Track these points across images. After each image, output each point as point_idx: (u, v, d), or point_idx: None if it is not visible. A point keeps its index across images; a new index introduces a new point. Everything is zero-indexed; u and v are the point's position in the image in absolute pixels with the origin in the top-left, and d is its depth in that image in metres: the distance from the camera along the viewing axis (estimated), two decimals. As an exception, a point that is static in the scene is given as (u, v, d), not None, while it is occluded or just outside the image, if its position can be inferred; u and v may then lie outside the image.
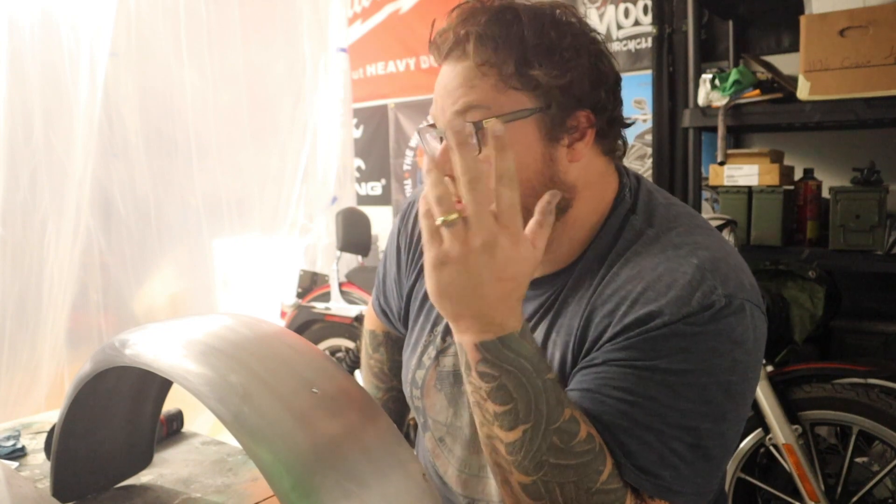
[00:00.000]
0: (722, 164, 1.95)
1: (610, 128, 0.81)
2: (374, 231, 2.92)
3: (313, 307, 2.72)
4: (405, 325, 1.03)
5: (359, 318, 2.56)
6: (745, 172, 2.03)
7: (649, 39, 2.52)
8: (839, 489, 1.72)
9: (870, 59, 1.71)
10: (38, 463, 1.08)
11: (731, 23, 2.34)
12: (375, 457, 0.63)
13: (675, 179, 2.47)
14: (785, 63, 2.14)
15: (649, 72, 2.50)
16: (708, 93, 2.01)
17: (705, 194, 2.17)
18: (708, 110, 2.00)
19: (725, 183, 2.06)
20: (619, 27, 2.67)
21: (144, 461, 1.00)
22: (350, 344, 2.64)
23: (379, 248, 3.34)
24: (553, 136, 0.78)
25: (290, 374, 0.67)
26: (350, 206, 2.94)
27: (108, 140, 2.47)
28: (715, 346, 0.71)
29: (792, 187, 2.02)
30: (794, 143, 2.26)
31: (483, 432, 0.72)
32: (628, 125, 0.85)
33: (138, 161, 2.56)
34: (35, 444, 1.14)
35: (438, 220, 0.66)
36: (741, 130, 2.35)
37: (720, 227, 1.76)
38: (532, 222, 0.70)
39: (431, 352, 0.94)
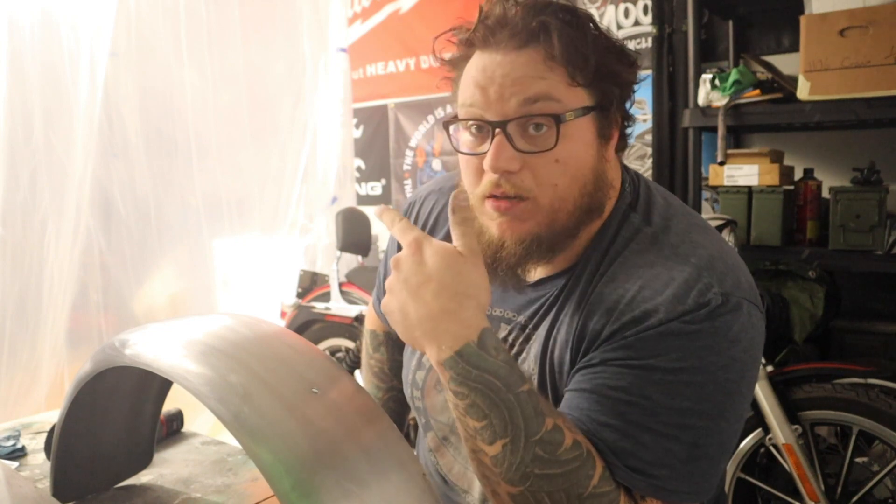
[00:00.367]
0: (722, 164, 1.95)
1: (626, 129, 0.83)
2: (374, 231, 2.92)
3: (313, 307, 2.72)
4: None
5: (359, 318, 2.56)
6: (745, 172, 2.03)
7: (649, 39, 2.52)
8: (839, 489, 1.72)
9: (870, 59, 1.71)
10: (38, 463, 1.08)
11: (731, 23, 2.34)
12: (375, 457, 0.63)
13: (675, 179, 2.47)
14: (785, 63, 2.14)
15: (649, 72, 2.51)
16: (708, 93, 2.01)
17: (705, 194, 2.17)
18: (708, 110, 2.00)
19: (725, 183, 2.06)
20: (619, 27, 2.67)
21: (144, 461, 1.00)
22: (350, 344, 2.64)
23: (379, 248, 3.34)
24: (603, 134, 0.79)
25: (290, 374, 0.67)
26: (350, 206, 2.93)
27: (108, 140, 2.47)
28: (711, 345, 0.71)
29: (792, 187, 2.02)
30: (794, 143, 2.26)
31: (468, 446, 0.72)
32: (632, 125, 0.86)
33: (138, 161, 2.56)
34: (35, 444, 1.13)
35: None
36: (741, 130, 2.35)
37: (720, 228, 1.76)
38: (451, 227, 0.75)
39: None
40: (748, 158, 2.04)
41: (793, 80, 1.88)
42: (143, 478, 1.01)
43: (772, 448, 1.77)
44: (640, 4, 2.60)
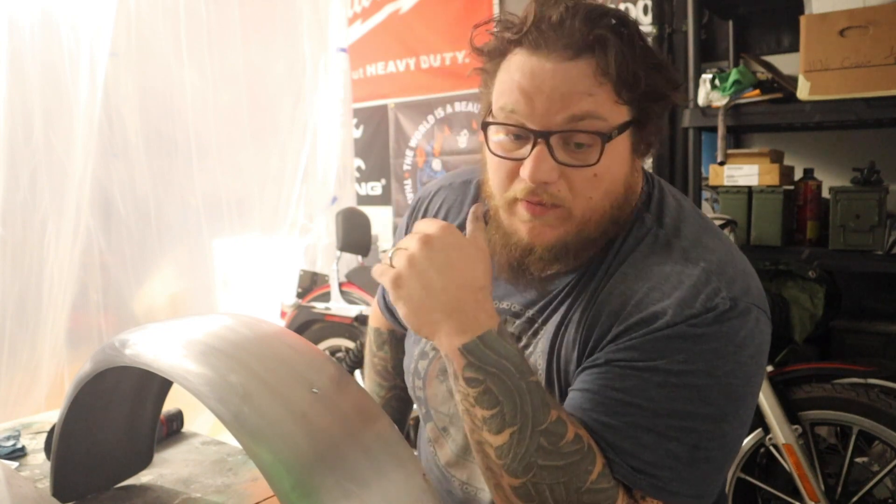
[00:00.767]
0: (722, 164, 1.95)
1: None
2: (374, 231, 2.92)
3: (313, 307, 2.72)
4: None
5: (359, 318, 2.56)
6: (745, 172, 2.03)
7: (649, 39, 2.52)
8: (839, 489, 1.72)
9: (870, 59, 1.71)
10: (38, 463, 1.08)
11: (731, 23, 2.34)
12: (375, 457, 0.63)
13: (675, 179, 2.47)
14: (785, 63, 2.14)
15: (649, 72, 2.50)
16: (708, 93, 2.01)
17: (705, 194, 2.17)
18: (708, 110, 2.00)
19: (725, 183, 2.06)
20: (619, 27, 2.66)
21: (144, 461, 1.00)
22: (350, 344, 2.64)
23: (379, 248, 3.34)
24: (637, 148, 0.79)
25: (290, 374, 0.67)
26: (350, 206, 2.93)
27: (108, 140, 2.47)
28: (717, 349, 0.71)
29: (792, 187, 2.02)
30: (794, 143, 2.26)
31: (473, 439, 0.72)
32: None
33: (138, 161, 2.56)
34: (35, 444, 1.14)
35: (390, 254, 0.73)
36: (741, 130, 2.35)
37: (720, 228, 1.76)
38: (469, 232, 0.77)
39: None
40: (748, 158, 2.04)
41: (793, 80, 1.88)
42: (143, 478, 1.01)
43: (772, 448, 1.77)
44: (640, 4, 2.60)
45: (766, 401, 1.71)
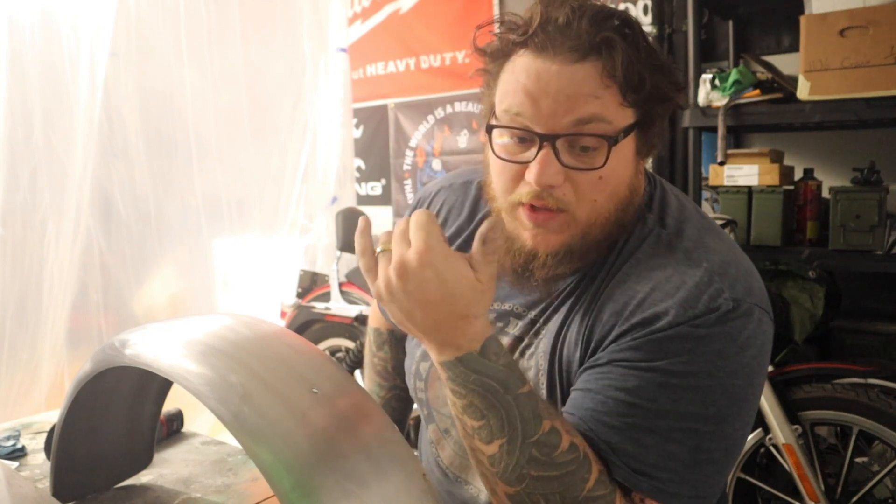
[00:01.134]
0: (722, 164, 1.95)
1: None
2: (374, 231, 2.91)
3: (313, 307, 2.72)
4: None
5: (359, 318, 2.56)
6: (745, 172, 2.03)
7: (650, 39, 2.52)
8: (839, 489, 1.72)
9: (870, 59, 1.71)
10: (38, 463, 1.08)
11: (731, 23, 2.34)
12: (375, 457, 0.63)
13: (675, 179, 2.47)
14: (785, 63, 2.14)
15: (649, 72, 2.50)
16: (708, 93, 2.01)
17: (705, 194, 2.17)
18: (708, 110, 2.00)
19: (725, 183, 2.06)
20: (619, 27, 2.66)
21: (144, 461, 1.00)
22: (350, 344, 2.64)
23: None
24: (641, 150, 0.79)
25: (290, 374, 0.67)
26: (350, 206, 2.93)
27: (108, 140, 2.47)
28: (720, 349, 0.71)
29: (792, 187, 2.02)
30: (794, 143, 2.26)
31: (467, 444, 0.72)
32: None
33: (138, 161, 2.56)
34: (35, 444, 1.13)
35: (378, 249, 0.71)
36: (741, 130, 2.35)
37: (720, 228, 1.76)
38: (475, 252, 0.70)
39: None
40: (748, 158, 2.04)
41: (793, 80, 1.88)
42: (143, 478, 1.01)
43: (772, 448, 1.77)
44: (640, 4, 2.60)
45: (766, 401, 1.71)
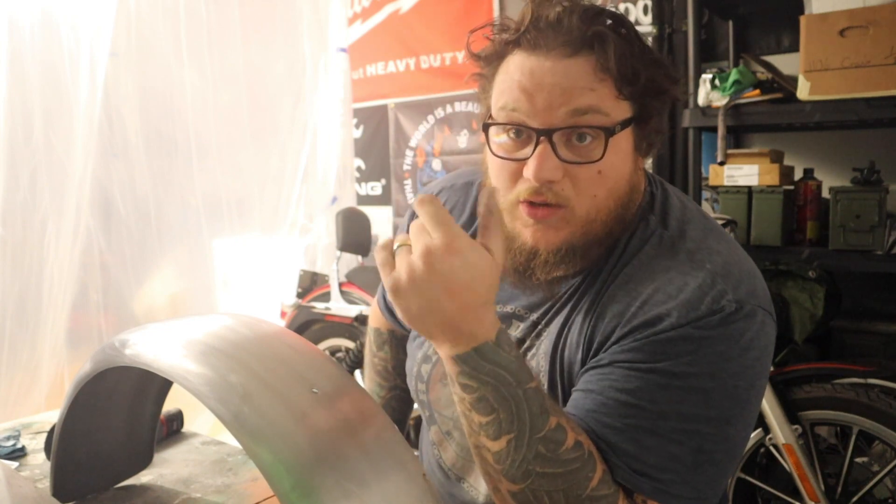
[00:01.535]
0: (722, 164, 1.95)
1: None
2: (374, 231, 2.91)
3: (313, 307, 2.72)
4: None
5: (359, 318, 2.56)
6: (745, 172, 2.03)
7: (649, 39, 2.52)
8: (839, 489, 1.72)
9: (870, 59, 1.71)
10: (38, 463, 1.08)
11: (731, 23, 2.34)
12: (375, 457, 0.63)
13: (675, 179, 2.47)
14: (785, 63, 2.14)
15: (649, 72, 2.50)
16: (708, 93, 2.01)
17: (705, 194, 2.17)
18: (708, 110, 2.00)
19: (725, 183, 2.06)
20: (619, 27, 2.67)
21: (144, 461, 1.00)
22: (350, 344, 2.64)
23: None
24: (639, 145, 0.79)
25: (290, 374, 0.66)
26: (350, 206, 2.93)
27: (108, 140, 2.47)
28: (723, 351, 0.71)
29: (792, 187, 2.02)
30: (794, 143, 2.26)
31: (471, 442, 0.72)
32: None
33: (138, 161, 2.56)
34: (35, 444, 1.13)
35: (395, 246, 0.69)
36: (741, 130, 2.35)
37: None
38: (482, 225, 0.69)
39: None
40: (748, 158, 2.04)
41: (793, 80, 1.88)
42: (143, 478, 1.01)
43: (772, 448, 1.77)
44: (640, 4, 2.60)
45: (767, 401, 1.71)
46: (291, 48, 3.17)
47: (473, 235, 0.94)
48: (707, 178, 2.16)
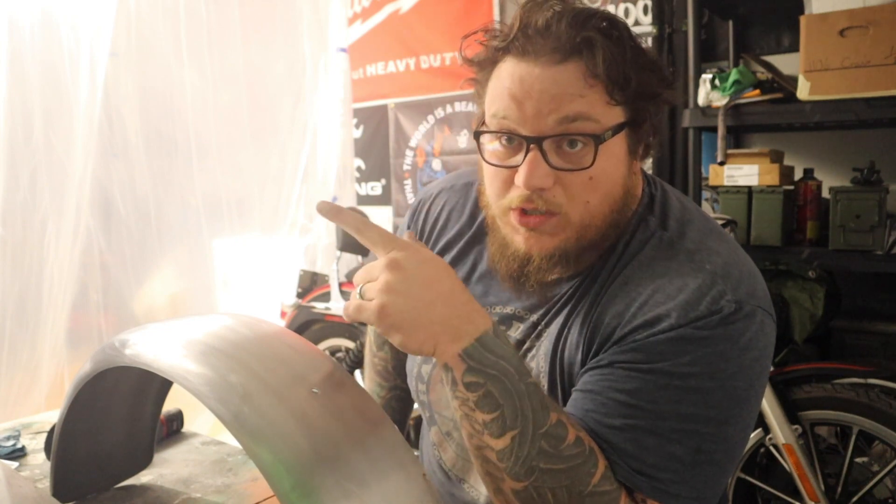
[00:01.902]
0: (722, 164, 1.95)
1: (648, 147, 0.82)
2: (374, 231, 2.91)
3: (313, 307, 2.72)
4: None
5: (359, 318, 2.56)
6: (745, 172, 2.03)
7: (649, 39, 2.52)
8: (839, 489, 1.72)
9: (870, 59, 1.71)
10: (38, 463, 1.08)
11: (731, 23, 2.34)
12: (375, 457, 0.63)
13: (675, 179, 2.47)
14: (785, 63, 2.14)
15: (649, 72, 2.50)
16: (708, 93, 2.01)
17: (705, 194, 2.17)
18: (708, 110, 2.00)
19: (725, 183, 2.06)
20: (619, 27, 2.67)
21: (144, 461, 1.00)
22: (350, 344, 2.64)
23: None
24: (634, 150, 0.78)
25: (290, 374, 0.66)
26: (350, 207, 2.93)
27: (108, 140, 2.47)
28: (722, 351, 0.71)
29: (792, 187, 2.02)
30: (794, 143, 2.26)
31: (473, 444, 0.71)
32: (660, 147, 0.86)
33: (138, 161, 2.56)
34: (35, 444, 1.14)
35: (357, 291, 0.69)
36: (741, 130, 2.35)
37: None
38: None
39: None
40: (748, 158, 2.05)
41: (793, 80, 1.88)
42: (143, 478, 1.01)
43: (772, 448, 1.77)
44: (640, 4, 2.60)
45: (766, 401, 1.71)
46: (291, 48, 3.17)
47: (470, 240, 0.94)
48: (707, 178, 2.16)
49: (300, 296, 2.82)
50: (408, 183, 3.45)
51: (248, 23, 2.92)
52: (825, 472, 1.74)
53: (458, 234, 0.96)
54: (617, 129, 0.75)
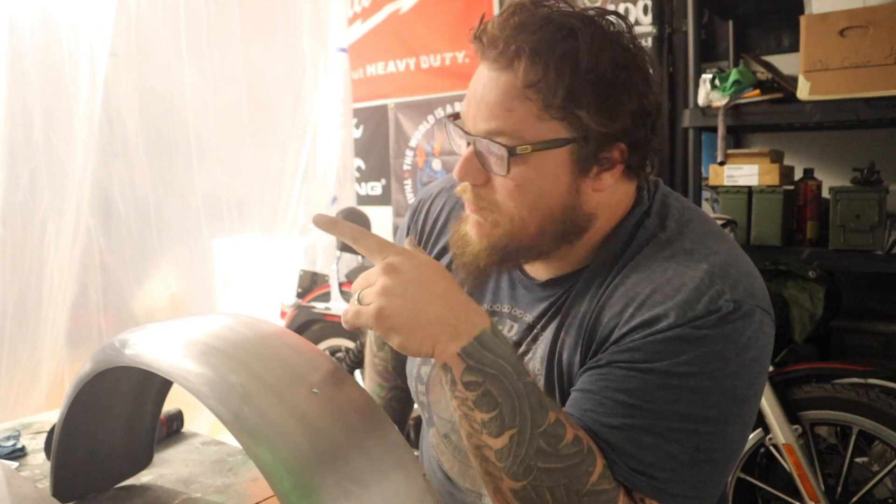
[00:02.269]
0: (722, 164, 1.95)
1: (642, 159, 0.79)
2: (374, 231, 2.91)
3: (313, 307, 2.72)
4: None
5: (359, 318, 2.55)
6: (745, 172, 2.03)
7: (649, 39, 2.52)
8: (839, 489, 1.72)
9: (870, 59, 1.71)
10: (38, 463, 1.08)
11: (731, 23, 2.34)
12: (375, 457, 0.63)
13: (675, 179, 2.47)
14: (785, 63, 2.14)
15: (649, 72, 2.50)
16: (708, 93, 2.01)
17: (705, 194, 2.17)
18: (708, 110, 2.00)
19: (725, 183, 2.06)
20: (619, 27, 2.66)
21: (144, 461, 1.00)
22: (350, 344, 2.64)
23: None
24: (583, 167, 0.76)
25: (290, 374, 0.67)
26: (350, 206, 2.94)
27: (108, 140, 2.47)
28: (720, 351, 0.71)
29: (792, 187, 2.02)
30: (794, 143, 2.26)
31: (472, 443, 0.72)
32: (661, 154, 0.83)
33: (138, 161, 2.56)
34: (35, 444, 1.14)
35: (355, 298, 0.71)
36: (741, 130, 2.35)
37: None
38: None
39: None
40: (748, 158, 2.04)
41: (793, 80, 1.88)
42: (143, 478, 1.01)
43: (772, 448, 1.77)
44: (640, 4, 2.60)
45: (766, 401, 1.71)
46: (291, 48, 3.17)
47: None
48: (707, 178, 2.16)
49: (300, 296, 2.82)
50: (408, 183, 3.45)
51: (248, 23, 2.92)
52: (825, 472, 1.74)
53: None
54: (548, 145, 0.74)
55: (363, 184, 3.63)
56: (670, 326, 0.71)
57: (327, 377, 0.68)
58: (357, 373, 2.39)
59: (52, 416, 1.26)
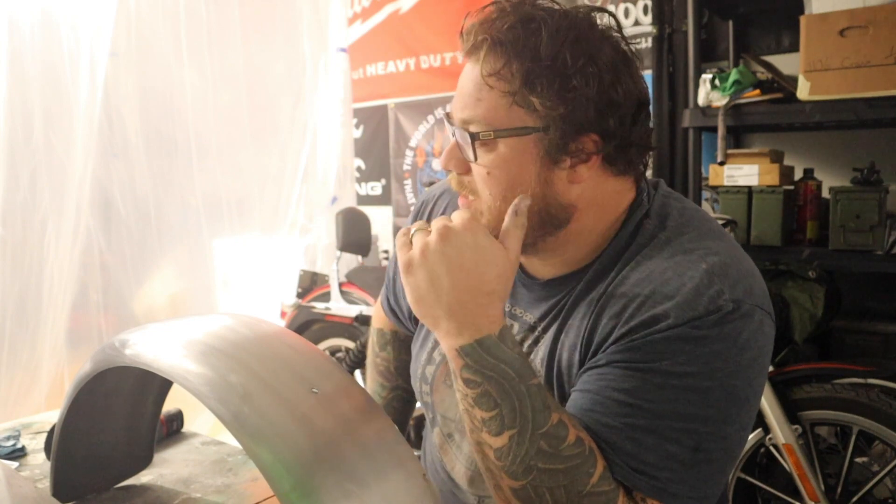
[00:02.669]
0: (722, 164, 1.95)
1: (622, 151, 0.78)
2: (374, 231, 2.91)
3: (313, 307, 2.72)
4: (415, 324, 1.03)
5: (359, 318, 2.56)
6: (745, 172, 2.03)
7: (649, 39, 2.52)
8: (839, 489, 1.72)
9: (870, 59, 1.71)
10: (38, 463, 1.08)
11: (731, 23, 2.34)
12: (375, 457, 0.63)
13: (675, 179, 2.47)
14: (785, 63, 2.14)
15: (649, 72, 2.51)
16: (708, 93, 2.01)
17: (705, 194, 2.17)
18: (708, 110, 2.00)
19: (725, 183, 2.06)
20: (619, 27, 2.66)
21: (144, 461, 1.00)
22: (350, 344, 2.64)
23: (379, 248, 3.34)
24: (552, 157, 0.76)
25: (290, 374, 0.67)
26: (350, 206, 2.93)
27: (108, 140, 2.47)
28: (720, 350, 0.71)
29: (792, 187, 2.02)
30: (794, 143, 2.26)
31: (473, 438, 0.72)
32: (651, 148, 0.82)
33: (138, 161, 2.56)
34: (35, 444, 1.13)
35: (413, 230, 0.74)
36: (741, 130, 2.35)
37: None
38: (504, 224, 0.75)
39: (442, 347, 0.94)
40: (748, 158, 2.04)
41: (793, 80, 1.88)
42: (143, 478, 1.01)
43: (772, 448, 1.77)
44: (640, 4, 2.60)
45: (766, 401, 1.71)
46: (291, 48, 3.17)
47: None
48: (707, 178, 2.16)
49: (300, 296, 2.82)
50: (408, 183, 3.45)
51: (248, 23, 2.92)
52: (825, 472, 1.74)
53: None
54: (514, 133, 0.75)
55: (363, 184, 3.63)
56: (670, 326, 0.71)
57: (327, 377, 0.68)
58: (357, 373, 2.39)
59: (52, 416, 1.26)
